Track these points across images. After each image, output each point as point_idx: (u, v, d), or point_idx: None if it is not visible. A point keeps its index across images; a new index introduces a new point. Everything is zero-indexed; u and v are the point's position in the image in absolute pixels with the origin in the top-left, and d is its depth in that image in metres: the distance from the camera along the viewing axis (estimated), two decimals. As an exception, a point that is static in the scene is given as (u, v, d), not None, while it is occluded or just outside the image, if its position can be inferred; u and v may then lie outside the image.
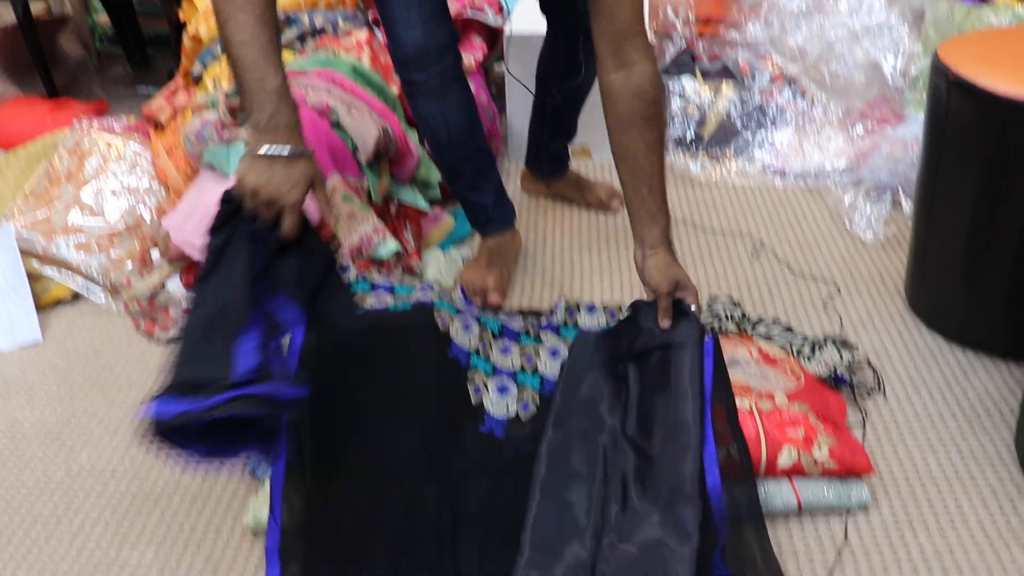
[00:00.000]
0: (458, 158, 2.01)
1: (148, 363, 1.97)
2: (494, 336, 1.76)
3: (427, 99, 1.92)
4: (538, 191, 2.50)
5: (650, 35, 2.71)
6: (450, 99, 1.93)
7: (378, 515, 1.45)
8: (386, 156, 2.12)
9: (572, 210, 2.46)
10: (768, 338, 1.82)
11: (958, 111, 1.76)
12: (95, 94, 3.41)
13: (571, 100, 2.29)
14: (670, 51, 2.70)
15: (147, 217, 2.31)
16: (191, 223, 2.05)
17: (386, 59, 2.41)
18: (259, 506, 1.51)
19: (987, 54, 1.79)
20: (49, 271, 2.22)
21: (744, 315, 1.90)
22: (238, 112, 2.13)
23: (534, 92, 2.30)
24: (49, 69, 3.22)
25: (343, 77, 2.21)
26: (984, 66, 1.73)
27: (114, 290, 2.19)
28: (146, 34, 3.56)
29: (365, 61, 2.34)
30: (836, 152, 2.52)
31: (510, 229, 2.16)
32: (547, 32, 2.20)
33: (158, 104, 2.77)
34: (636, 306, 1.70)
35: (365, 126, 2.06)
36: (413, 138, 2.25)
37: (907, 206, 2.34)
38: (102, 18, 3.57)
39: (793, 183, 2.53)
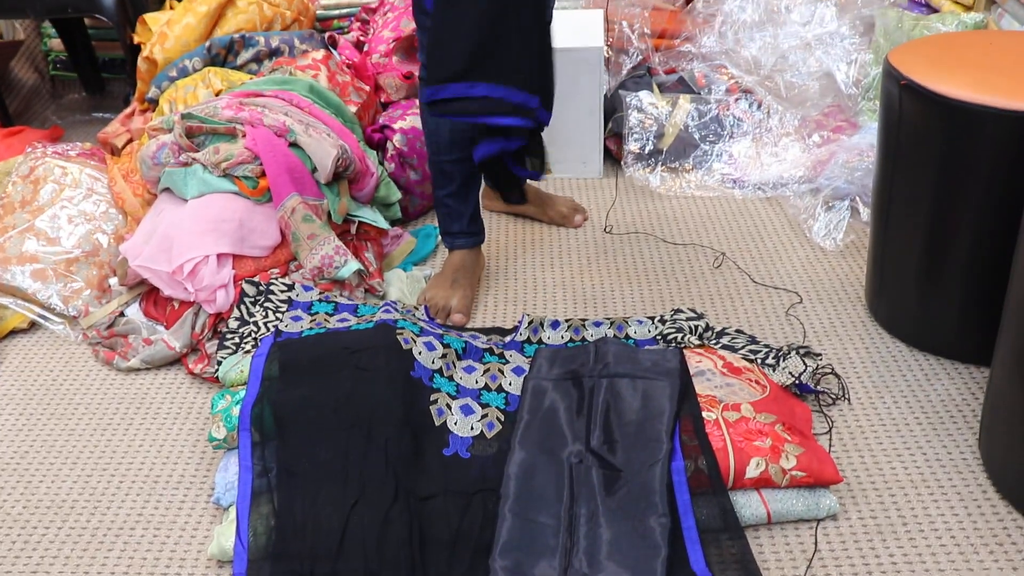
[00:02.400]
0: (453, 160, 2.02)
1: (107, 392, 1.94)
2: (458, 355, 1.75)
3: None
4: (498, 207, 2.50)
5: (606, 50, 2.72)
6: None
7: (347, 538, 1.43)
8: (345, 176, 2.11)
9: (533, 226, 2.46)
10: (733, 349, 1.82)
11: (910, 115, 1.78)
12: (50, 121, 3.36)
13: None
14: (627, 65, 2.71)
15: (104, 243, 2.27)
16: (149, 248, 2.02)
17: (343, 78, 2.40)
18: (223, 534, 1.49)
19: (936, 58, 1.81)
20: (5, 300, 2.17)
21: (708, 326, 1.90)
22: (195, 135, 2.10)
23: None
24: (2, 96, 3.16)
25: (300, 97, 2.20)
26: (933, 70, 1.76)
27: (72, 318, 2.15)
28: (100, 58, 3.51)
29: (322, 80, 2.33)
30: (793, 162, 2.55)
31: (477, 247, 2.16)
32: None
33: (114, 128, 2.74)
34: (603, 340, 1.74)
35: (323, 146, 2.04)
36: (372, 157, 2.23)
37: (864, 213, 2.36)
38: (55, 43, 3.52)
39: (752, 193, 2.55)
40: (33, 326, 2.17)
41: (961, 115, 1.69)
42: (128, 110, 2.79)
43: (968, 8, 2.73)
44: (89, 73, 3.51)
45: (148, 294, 2.09)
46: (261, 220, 2.01)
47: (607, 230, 2.43)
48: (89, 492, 1.68)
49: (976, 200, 1.74)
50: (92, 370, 2.01)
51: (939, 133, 1.74)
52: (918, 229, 1.84)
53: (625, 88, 2.67)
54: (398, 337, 1.68)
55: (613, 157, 2.72)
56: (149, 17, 2.77)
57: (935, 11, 2.83)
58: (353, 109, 2.29)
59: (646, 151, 2.60)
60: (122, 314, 2.10)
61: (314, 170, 2.05)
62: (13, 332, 2.16)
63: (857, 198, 2.39)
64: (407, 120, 2.38)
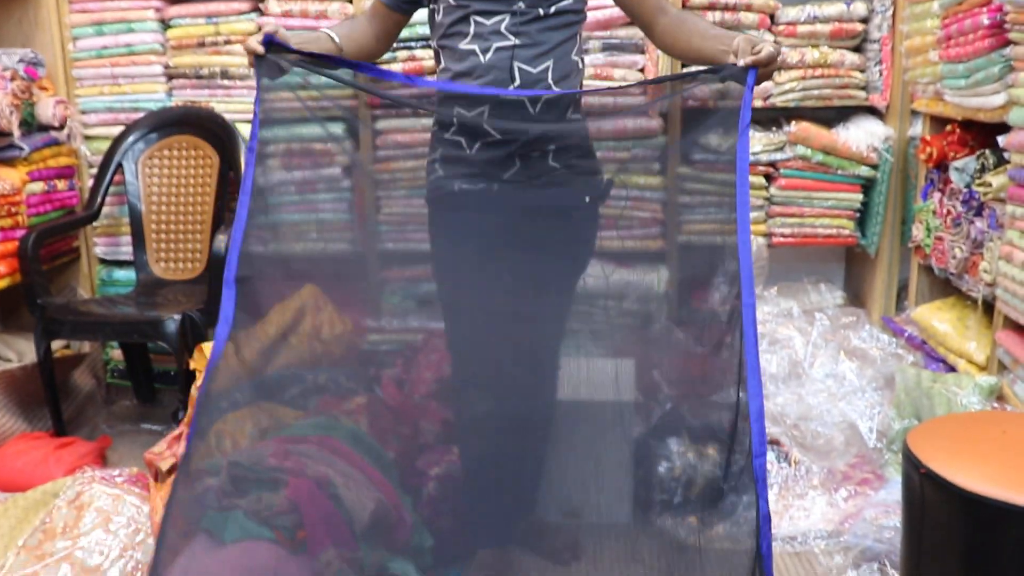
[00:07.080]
0: None
1: None
2: None
3: None
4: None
5: (636, 395, 2.83)
6: None
7: None
8: (381, 527, 2.17)
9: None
10: None
11: (932, 503, 1.83)
12: (100, 429, 3.49)
13: None
14: (656, 414, 2.82)
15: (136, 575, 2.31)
16: (180, 591, 2.05)
17: (384, 423, 2.52)
18: None
19: (953, 446, 1.87)
20: (32, 631, 2.19)
21: None
22: (240, 481, 2.19)
23: None
24: (59, 406, 3.32)
25: (342, 444, 2.30)
26: (952, 459, 1.81)
27: (95, 654, 2.15)
28: (156, 369, 3.71)
29: (364, 426, 2.45)
30: (821, 516, 2.57)
31: None
32: None
33: (160, 450, 2.84)
34: None
35: (362, 499, 2.12)
36: (407, 504, 2.30)
37: (895, 577, 2.36)
38: (116, 353, 3.74)
39: (781, 546, 2.56)
40: (55, 661, 2.17)
41: (982, 510, 1.73)
42: (176, 432, 2.90)
43: (982, 368, 2.85)
44: (143, 383, 3.70)
45: (174, 636, 2.10)
46: (295, 570, 2.05)
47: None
48: None
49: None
50: None
51: (961, 525, 1.78)
52: (947, 613, 1.84)
53: (653, 436, 2.76)
54: None
55: (642, 505, 2.75)
56: (207, 346, 2.95)
57: (952, 368, 2.95)
58: (391, 455, 2.39)
59: (674, 501, 2.65)
60: (146, 655, 2.10)
61: (351, 521, 2.11)
62: (34, 667, 2.15)
63: (886, 560, 2.39)
64: (443, 466, 2.47)
